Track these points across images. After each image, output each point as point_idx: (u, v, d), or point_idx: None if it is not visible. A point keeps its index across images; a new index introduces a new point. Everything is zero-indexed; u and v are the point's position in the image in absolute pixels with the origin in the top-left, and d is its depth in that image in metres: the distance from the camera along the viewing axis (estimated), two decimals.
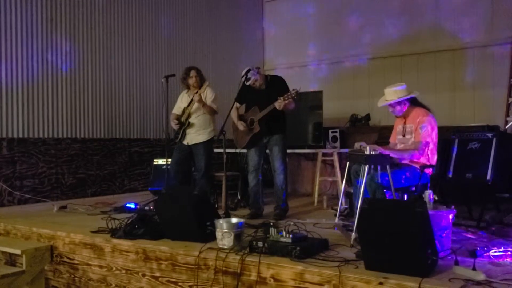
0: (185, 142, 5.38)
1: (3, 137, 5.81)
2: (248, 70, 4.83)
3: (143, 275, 3.64)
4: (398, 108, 4.04)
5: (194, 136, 5.35)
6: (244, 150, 5.34)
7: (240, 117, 5.02)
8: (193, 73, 5.35)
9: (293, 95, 4.61)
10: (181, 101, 5.53)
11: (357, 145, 3.96)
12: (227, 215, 4.39)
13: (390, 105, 4.03)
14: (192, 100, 5.31)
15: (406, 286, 2.53)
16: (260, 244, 3.18)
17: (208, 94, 5.31)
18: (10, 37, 5.87)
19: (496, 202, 4.67)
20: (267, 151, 5.03)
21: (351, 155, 4.05)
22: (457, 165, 4.66)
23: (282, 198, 4.92)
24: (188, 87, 5.44)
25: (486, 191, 4.54)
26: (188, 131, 5.36)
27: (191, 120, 5.35)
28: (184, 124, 5.36)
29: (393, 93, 4.01)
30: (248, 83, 4.85)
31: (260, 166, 5.01)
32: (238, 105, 5.08)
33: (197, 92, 5.21)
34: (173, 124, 5.44)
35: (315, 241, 3.32)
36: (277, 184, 4.92)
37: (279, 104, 4.61)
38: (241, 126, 4.95)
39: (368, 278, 2.66)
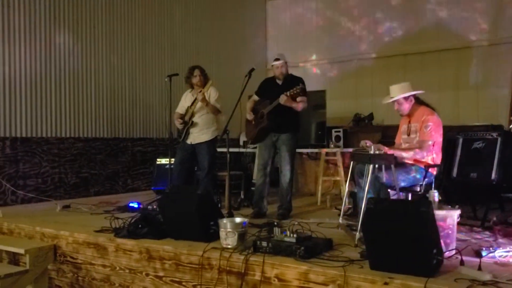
0: (188, 141, 5.37)
1: (6, 136, 5.81)
2: (252, 69, 4.85)
3: (147, 274, 3.64)
4: (403, 104, 4.02)
5: (198, 135, 5.34)
6: (247, 150, 5.33)
7: (253, 110, 5.05)
8: (197, 72, 5.34)
9: (297, 90, 4.61)
10: (185, 100, 5.53)
11: (362, 143, 3.93)
12: (231, 215, 4.38)
13: (396, 101, 4.01)
14: (195, 99, 5.30)
15: (411, 286, 2.52)
16: (264, 243, 3.17)
17: (211, 93, 5.30)
18: (13, 36, 5.87)
19: (501, 202, 4.66)
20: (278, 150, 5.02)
21: (355, 154, 4.03)
22: (461, 164, 4.65)
23: (287, 198, 4.90)
24: (192, 86, 5.44)
25: (491, 191, 4.52)
26: (191, 130, 5.35)
27: (195, 119, 5.34)
28: (187, 123, 5.36)
29: (399, 89, 4.00)
30: (274, 64, 4.92)
31: (269, 165, 4.98)
32: (256, 98, 5.10)
33: (200, 91, 5.21)
34: (177, 123, 5.43)
35: (319, 240, 3.31)
36: (282, 184, 4.90)
37: (281, 98, 4.61)
38: (249, 116, 4.98)
39: (373, 278, 2.65)
